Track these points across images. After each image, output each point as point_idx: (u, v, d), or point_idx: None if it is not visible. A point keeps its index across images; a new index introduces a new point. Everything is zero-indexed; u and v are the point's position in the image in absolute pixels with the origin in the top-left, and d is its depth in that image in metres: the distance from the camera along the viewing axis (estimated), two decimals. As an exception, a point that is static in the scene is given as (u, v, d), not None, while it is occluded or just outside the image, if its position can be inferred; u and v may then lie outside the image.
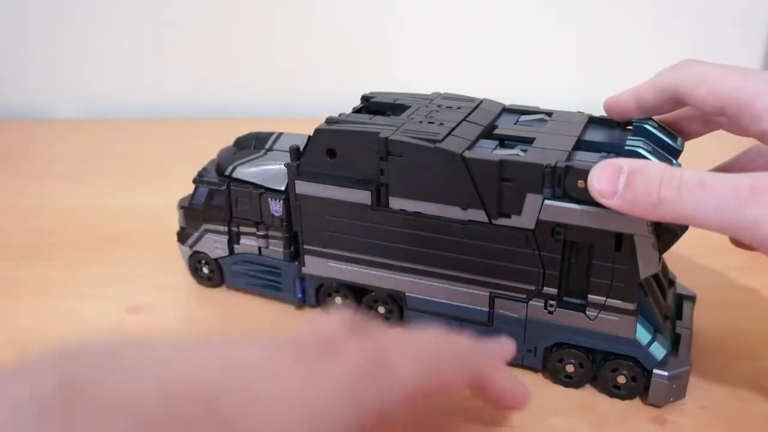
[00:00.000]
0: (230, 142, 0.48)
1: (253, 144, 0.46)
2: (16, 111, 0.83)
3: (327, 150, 0.39)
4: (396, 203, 0.38)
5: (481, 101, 0.42)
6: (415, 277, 0.39)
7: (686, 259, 0.50)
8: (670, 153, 0.35)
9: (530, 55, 0.79)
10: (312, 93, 0.80)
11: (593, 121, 0.40)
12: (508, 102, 0.44)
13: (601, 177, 0.31)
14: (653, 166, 0.30)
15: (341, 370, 0.24)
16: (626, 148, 0.34)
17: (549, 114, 0.41)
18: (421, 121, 0.39)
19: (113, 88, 0.83)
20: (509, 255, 0.36)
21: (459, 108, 0.41)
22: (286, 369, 0.23)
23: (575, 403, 0.37)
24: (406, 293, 0.40)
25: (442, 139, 0.36)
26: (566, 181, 0.33)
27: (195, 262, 0.47)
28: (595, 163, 0.32)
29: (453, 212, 0.37)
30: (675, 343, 0.38)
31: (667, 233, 0.35)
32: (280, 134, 0.46)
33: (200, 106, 0.83)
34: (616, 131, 0.39)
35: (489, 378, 0.31)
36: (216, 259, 0.46)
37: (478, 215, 0.36)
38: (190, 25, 0.79)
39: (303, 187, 0.40)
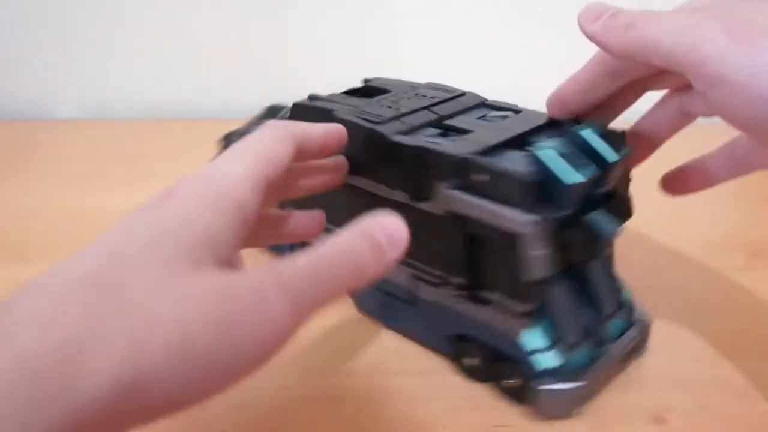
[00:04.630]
0: (230, 142, 0.48)
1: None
2: (16, 111, 0.83)
3: None
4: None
5: (463, 93, 0.43)
6: None
7: (686, 259, 0.50)
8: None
9: (536, 53, 0.80)
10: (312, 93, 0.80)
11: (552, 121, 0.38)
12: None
13: (592, 8, 0.33)
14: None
15: None
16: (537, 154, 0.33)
17: (518, 111, 0.40)
18: (382, 105, 0.40)
19: (113, 88, 0.83)
20: (426, 238, 0.36)
21: (433, 97, 0.42)
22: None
23: (575, 403, 0.37)
24: None
25: (384, 122, 0.37)
26: (470, 174, 0.33)
27: None
28: (513, 160, 0.33)
29: (382, 190, 0.38)
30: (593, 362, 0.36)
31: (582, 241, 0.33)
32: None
33: (200, 106, 0.83)
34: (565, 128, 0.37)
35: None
36: None
37: (402, 197, 0.37)
38: (190, 25, 0.79)
39: None
